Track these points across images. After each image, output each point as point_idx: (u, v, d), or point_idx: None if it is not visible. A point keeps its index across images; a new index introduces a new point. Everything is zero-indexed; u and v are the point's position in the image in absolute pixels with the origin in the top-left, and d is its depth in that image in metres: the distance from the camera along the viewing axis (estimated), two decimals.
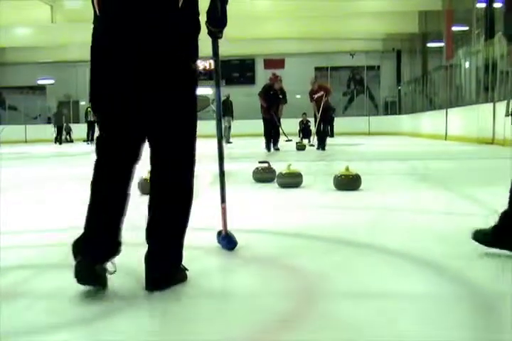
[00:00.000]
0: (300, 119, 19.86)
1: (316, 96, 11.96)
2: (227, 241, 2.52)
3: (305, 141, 14.85)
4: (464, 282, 2.04)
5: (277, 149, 12.07)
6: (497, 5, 16.20)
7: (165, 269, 1.99)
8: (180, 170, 2.05)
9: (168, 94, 1.98)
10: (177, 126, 2.03)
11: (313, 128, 13.85)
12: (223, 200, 2.54)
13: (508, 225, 2.26)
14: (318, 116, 12.03)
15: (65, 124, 23.77)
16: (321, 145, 11.85)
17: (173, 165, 2.04)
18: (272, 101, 11.91)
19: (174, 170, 2.04)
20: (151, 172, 2.07)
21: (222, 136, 2.55)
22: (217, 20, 2.25)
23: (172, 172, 2.04)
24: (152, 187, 2.06)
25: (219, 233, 2.58)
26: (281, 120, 12.68)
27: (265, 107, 11.91)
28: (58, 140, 22.80)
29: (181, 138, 2.05)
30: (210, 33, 2.34)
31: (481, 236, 2.34)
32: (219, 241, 2.57)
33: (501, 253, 2.33)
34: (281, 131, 12.39)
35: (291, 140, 14.41)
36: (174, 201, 2.04)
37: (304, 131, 18.60)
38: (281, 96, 12.02)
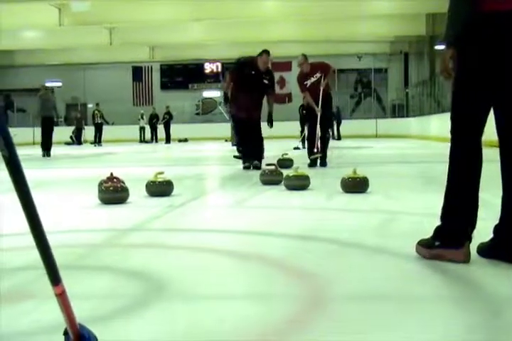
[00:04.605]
0: (300, 104, 14.22)
1: (309, 82, 7.43)
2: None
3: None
4: (473, 285, 2.02)
5: (257, 167, 6.46)
6: None
7: None
8: None
9: None
10: None
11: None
12: (56, 281, 1.21)
13: (503, 238, 2.26)
14: (319, 109, 7.38)
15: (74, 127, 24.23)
16: (322, 158, 7.66)
17: None
18: (251, 87, 6.86)
19: None
20: None
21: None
22: None
23: None
24: None
25: (65, 333, 1.31)
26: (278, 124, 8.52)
27: (238, 102, 6.86)
28: (80, 140, 23.76)
29: None
30: None
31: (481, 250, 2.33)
32: None
33: None
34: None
35: (298, 148, 10.72)
36: None
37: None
38: (266, 82, 7.18)
